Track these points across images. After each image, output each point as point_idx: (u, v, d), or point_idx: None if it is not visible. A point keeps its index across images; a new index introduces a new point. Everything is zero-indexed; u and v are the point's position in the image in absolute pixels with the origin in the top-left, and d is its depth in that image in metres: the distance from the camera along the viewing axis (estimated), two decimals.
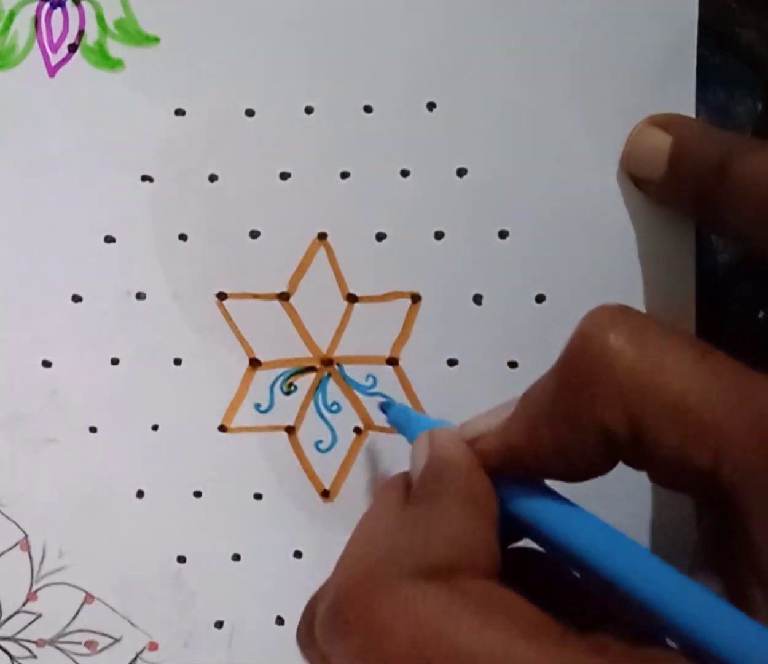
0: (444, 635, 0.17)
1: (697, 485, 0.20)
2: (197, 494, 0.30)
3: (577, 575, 0.22)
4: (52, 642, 0.31)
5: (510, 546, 0.23)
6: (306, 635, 0.21)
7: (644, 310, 0.29)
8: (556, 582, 0.22)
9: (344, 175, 0.29)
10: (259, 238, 0.29)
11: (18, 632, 0.31)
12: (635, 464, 0.21)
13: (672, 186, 0.27)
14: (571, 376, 0.20)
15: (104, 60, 0.28)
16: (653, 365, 0.19)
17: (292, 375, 0.30)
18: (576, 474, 0.21)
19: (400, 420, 0.27)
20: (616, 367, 0.19)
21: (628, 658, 0.17)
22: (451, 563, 0.19)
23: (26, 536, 0.30)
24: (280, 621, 0.30)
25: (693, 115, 0.28)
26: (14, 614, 0.30)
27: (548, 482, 0.22)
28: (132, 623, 0.30)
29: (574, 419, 0.20)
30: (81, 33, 0.28)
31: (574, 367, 0.20)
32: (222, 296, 0.29)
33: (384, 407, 0.29)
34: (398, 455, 0.30)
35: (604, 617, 0.20)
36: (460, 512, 0.20)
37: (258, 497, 0.30)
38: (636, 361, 0.19)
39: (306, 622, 0.22)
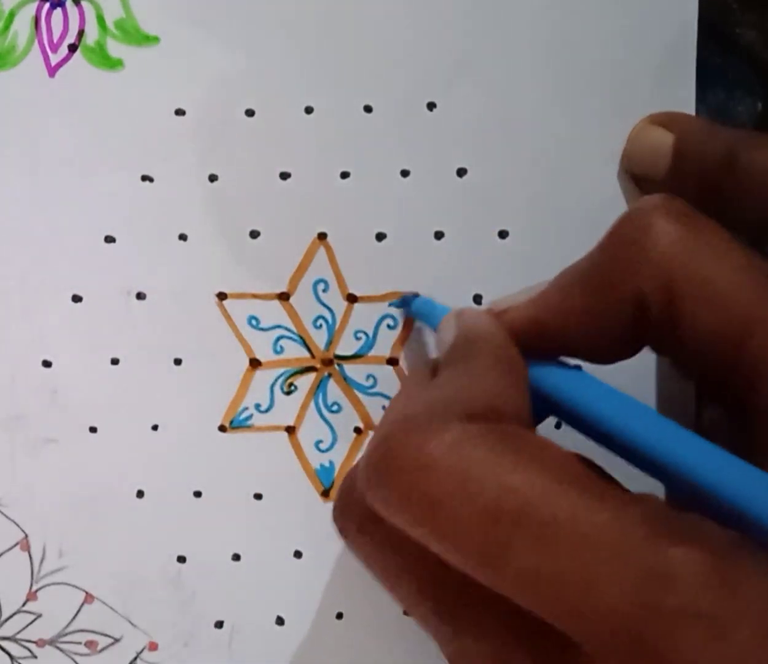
0: (493, 475, 0.17)
1: (718, 370, 0.20)
2: (197, 494, 0.30)
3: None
4: (52, 642, 0.31)
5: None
6: (342, 511, 0.21)
7: None
8: None
9: (344, 175, 0.29)
10: (259, 238, 0.29)
11: (18, 632, 0.30)
12: (662, 343, 0.21)
13: (675, 183, 0.27)
14: (613, 245, 0.21)
15: (104, 60, 0.28)
16: (696, 245, 0.20)
17: (292, 375, 0.30)
18: (601, 351, 0.21)
19: (424, 310, 0.27)
20: (659, 241, 0.20)
21: (665, 510, 0.17)
22: (496, 411, 0.19)
23: (26, 536, 0.30)
24: (280, 621, 0.30)
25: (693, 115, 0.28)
26: (14, 614, 0.30)
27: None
28: (132, 623, 0.30)
29: (611, 285, 0.20)
30: (81, 33, 0.28)
31: (618, 237, 0.21)
32: (222, 296, 0.29)
33: (406, 300, 0.28)
34: None
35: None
36: (495, 372, 0.20)
37: (258, 497, 0.30)
38: (679, 238, 0.20)
39: (342, 496, 0.21)
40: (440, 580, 0.18)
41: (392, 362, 0.30)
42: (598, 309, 0.21)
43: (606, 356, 0.22)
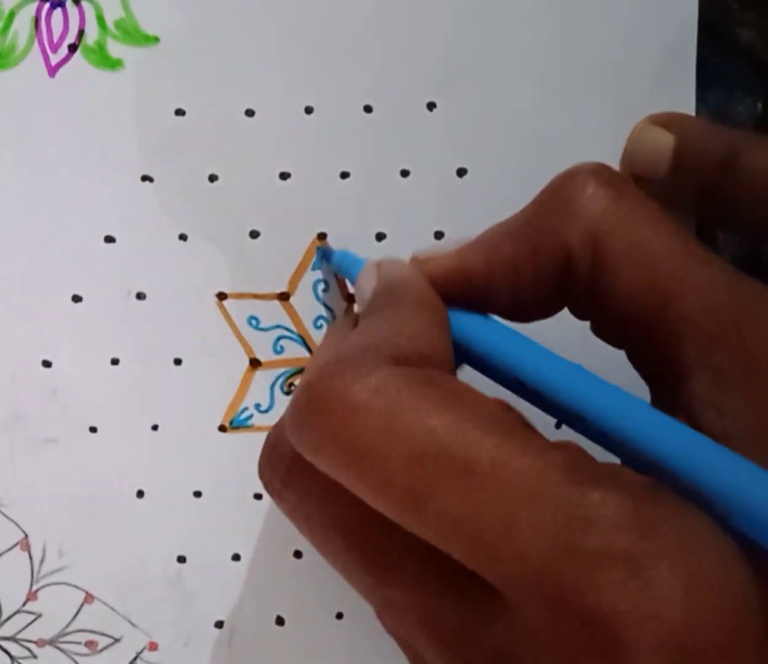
0: (418, 418, 0.17)
1: (638, 335, 0.20)
2: (197, 494, 0.30)
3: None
4: (52, 642, 0.31)
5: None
6: (268, 464, 0.20)
7: None
8: None
9: (344, 175, 0.29)
10: (259, 238, 0.29)
11: (18, 632, 0.31)
12: (585, 304, 0.21)
13: (676, 183, 0.27)
14: (546, 200, 0.21)
15: (104, 60, 0.28)
16: (626, 209, 0.20)
17: (292, 375, 0.30)
18: (523, 308, 0.22)
19: (345, 263, 0.27)
20: (591, 200, 0.20)
21: (585, 457, 0.17)
22: (421, 355, 0.19)
23: (26, 536, 0.30)
24: (280, 621, 0.30)
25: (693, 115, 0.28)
26: (14, 614, 0.30)
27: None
28: (132, 623, 0.30)
29: (539, 238, 0.21)
30: (81, 33, 0.28)
31: (551, 194, 0.21)
32: (222, 296, 0.29)
33: (326, 254, 0.28)
34: None
35: None
36: (419, 317, 0.20)
37: (258, 497, 0.30)
38: (611, 201, 0.20)
39: (267, 450, 0.21)
40: (366, 531, 0.18)
41: None
42: (525, 262, 0.21)
43: (527, 313, 0.22)
